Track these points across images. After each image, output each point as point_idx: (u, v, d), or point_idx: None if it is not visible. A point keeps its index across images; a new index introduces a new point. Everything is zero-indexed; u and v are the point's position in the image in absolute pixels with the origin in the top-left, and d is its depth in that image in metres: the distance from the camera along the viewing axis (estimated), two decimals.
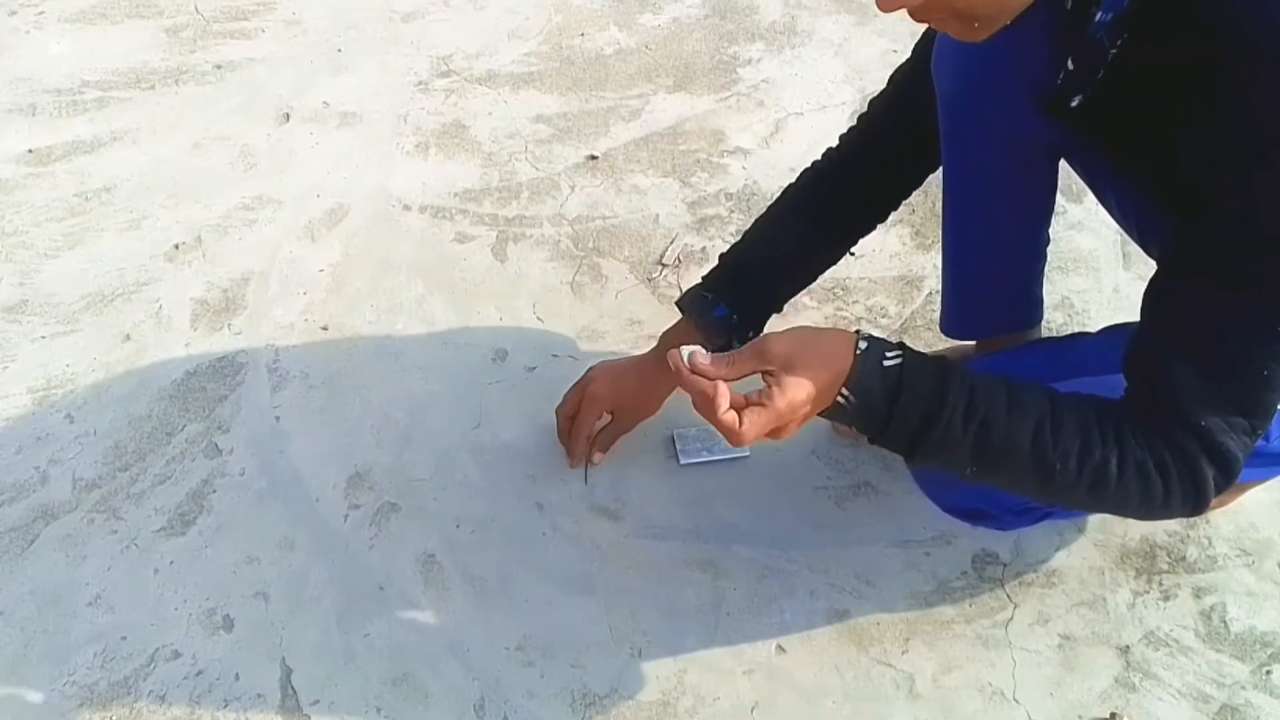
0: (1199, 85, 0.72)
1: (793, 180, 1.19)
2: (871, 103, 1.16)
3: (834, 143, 1.18)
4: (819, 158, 1.18)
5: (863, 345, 0.81)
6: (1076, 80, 0.82)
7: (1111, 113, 0.84)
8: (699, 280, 1.21)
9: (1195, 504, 0.79)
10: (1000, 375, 0.83)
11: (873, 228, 1.20)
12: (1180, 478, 0.78)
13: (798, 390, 0.79)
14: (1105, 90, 0.82)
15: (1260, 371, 0.74)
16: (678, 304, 1.22)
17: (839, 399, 0.81)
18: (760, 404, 0.79)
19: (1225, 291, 0.74)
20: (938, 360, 0.83)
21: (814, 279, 1.23)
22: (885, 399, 0.80)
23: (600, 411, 1.24)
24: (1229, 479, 0.78)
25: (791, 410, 0.80)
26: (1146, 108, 0.79)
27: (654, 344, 1.44)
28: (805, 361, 0.81)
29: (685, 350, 0.84)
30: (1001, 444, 0.80)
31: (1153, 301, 0.80)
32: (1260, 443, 0.80)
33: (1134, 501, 0.80)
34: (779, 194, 1.20)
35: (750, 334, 1.19)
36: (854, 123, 1.17)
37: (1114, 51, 0.78)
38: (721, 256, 1.21)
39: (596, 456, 1.26)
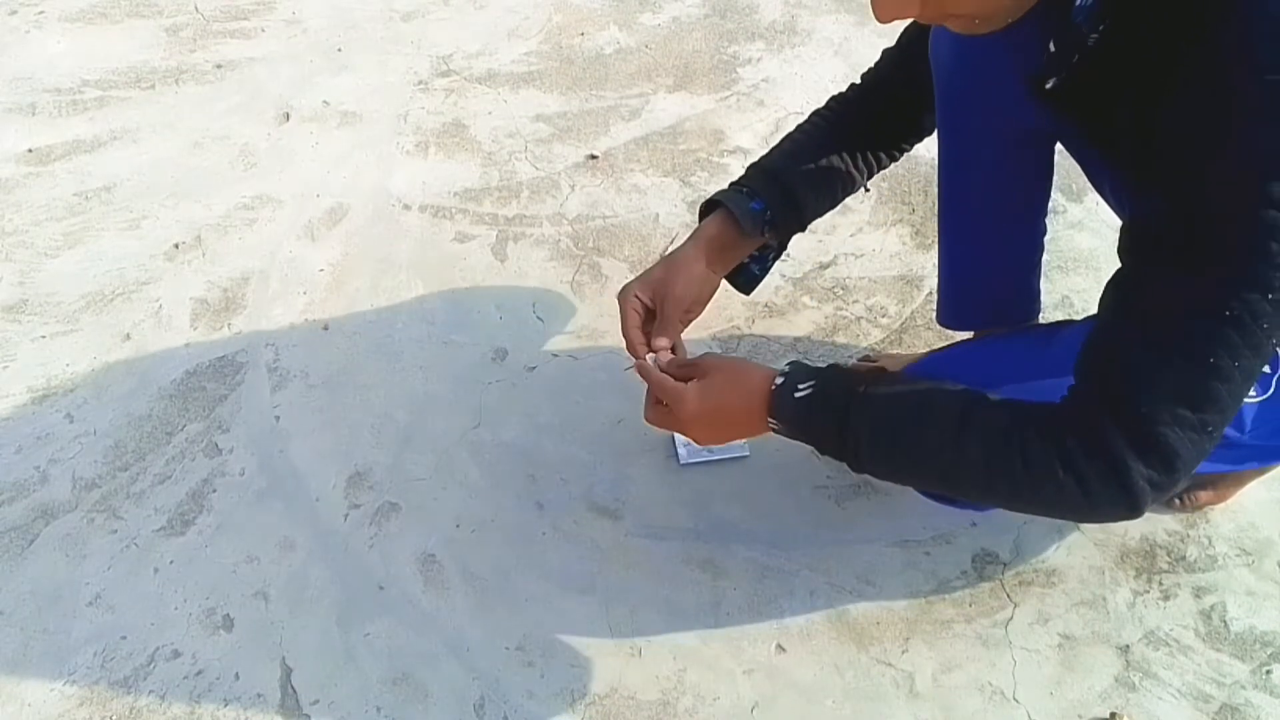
0: (1172, 63, 0.72)
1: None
2: (884, 52, 1.17)
3: None
4: (844, 89, 1.18)
5: (779, 380, 0.92)
6: (1055, 63, 0.82)
7: (1091, 95, 0.84)
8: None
9: (1128, 504, 0.77)
10: (923, 385, 0.88)
11: (885, 161, 1.18)
12: (1098, 476, 0.76)
13: (692, 394, 0.95)
14: (1085, 73, 0.82)
15: (1207, 359, 0.72)
16: (710, 199, 1.13)
17: (770, 426, 0.93)
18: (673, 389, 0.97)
19: (1175, 271, 0.73)
20: (857, 379, 0.90)
21: (838, 195, 1.17)
22: (802, 426, 0.91)
23: (635, 302, 1.09)
24: (1168, 474, 0.76)
25: (677, 400, 0.96)
26: (1124, 88, 0.79)
27: None
28: (719, 379, 0.96)
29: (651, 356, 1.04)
30: (912, 459, 0.85)
31: (1109, 291, 0.79)
32: (1235, 434, 0.79)
33: (1053, 502, 0.81)
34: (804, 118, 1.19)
35: (772, 253, 1.18)
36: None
37: (1095, 36, 0.77)
38: (749, 166, 1.16)
39: (661, 342, 1.07)
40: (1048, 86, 0.83)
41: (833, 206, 1.17)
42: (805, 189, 1.13)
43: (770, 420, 0.93)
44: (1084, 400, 0.78)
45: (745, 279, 1.19)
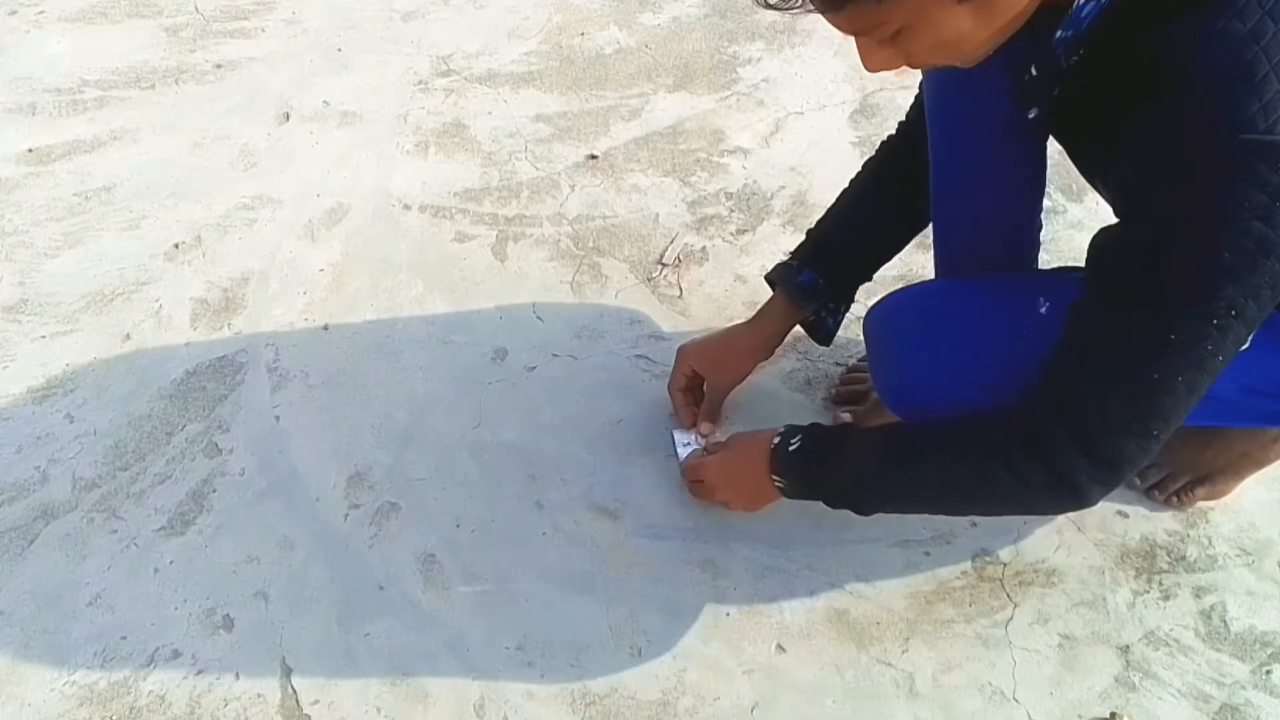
0: (1133, 109, 0.76)
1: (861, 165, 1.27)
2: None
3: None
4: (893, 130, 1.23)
5: (775, 440, 1.06)
6: (1035, 89, 0.87)
7: (1064, 121, 0.91)
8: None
9: (1074, 499, 0.87)
10: (882, 434, 1.02)
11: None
12: (1040, 477, 0.86)
13: (712, 461, 1.17)
14: (1063, 99, 0.87)
15: (1151, 376, 0.79)
16: (766, 277, 1.28)
17: (775, 484, 1.06)
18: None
19: (1129, 297, 0.79)
20: (838, 430, 1.07)
21: (897, 247, 1.26)
22: (800, 478, 1.04)
23: (688, 367, 1.28)
24: (1113, 471, 0.85)
25: (701, 469, 1.18)
26: (1092, 120, 0.85)
27: (654, 341, 1.45)
28: (734, 445, 1.16)
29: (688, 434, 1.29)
30: (891, 492, 1.00)
31: (1072, 305, 0.85)
32: (1232, 391, 0.87)
33: (1009, 504, 0.96)
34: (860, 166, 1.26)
35: (842, 306, 1.26)
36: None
37: (1073, 60, 0.82)
38: (808, 230, 1.26)
39: (704, 427, 1.28)
40: (1030, 117, 0.89)
41: (899, 247, 1.26)
42: (853, 248, 1.24)
43: (774, 478, 1.06)
44: (1035, 407, 0.87)
45: (823, 333, 1.28)
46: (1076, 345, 0.84)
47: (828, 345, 1.30)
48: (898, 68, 0.81)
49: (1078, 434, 0.84)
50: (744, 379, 1.29)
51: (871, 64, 0.81)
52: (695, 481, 1.21)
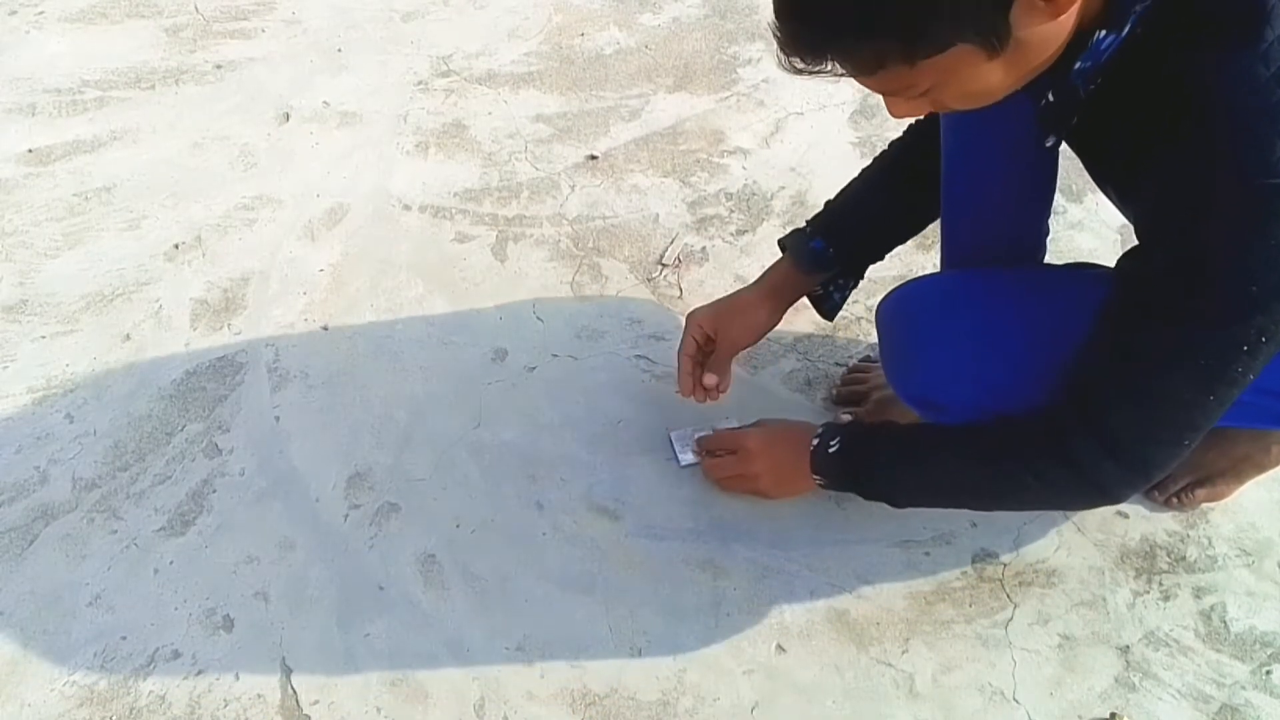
0: (1161, 132, 0.77)
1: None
2: None
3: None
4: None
5: (815, 441, 1.09)
6: (1053, 115, 0.87)
7: (1081, 140, 0.92)
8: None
9: (1102, 498, 0.92)
10: (914, 437, 1.05)
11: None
12: (1068, 478, 0.90)
13: (754, 433, 1.20)
14: (1080, 123, 0.87)
15: (1182, 395, 0.82)
16: (779, 242, 1.27)
17: (816, 482, 1.10)
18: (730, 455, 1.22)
19: (1160, 318, 0.81)
20: (873, 432, 1.10)
21: (909, 234, 1.27)
22: (839, 477, 1.09)
23: (698, 330, 1.25)
24: (1141, 474, 0.88)
25: (740, 440, 1.20)
26: (1110, 144, 0.86)
27: (654, 341, 1.45)
28: (775, 426, 1.20)
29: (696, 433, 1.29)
30: (923, 492, 1.06)
31: (1099, 320, 0.87)
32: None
33: (1033, 503, 1.06)
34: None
35: (850, 281, 1.27)
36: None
37: (1090, 89, 0.82)
38: (826, 202, 1.26)
39: (709, 379, 1.23)
40: (1047, 145, 0.91)
41: (911, 234, 1.27)
42: (865, 226, 1.24)
43: (814, 477, 1.09)
44: (1064, 416, 0.89)
45: (828, 306, 1.29)
46: (1105, 356, 0.86)
47: (831, 320, 1.31)
48: (921, 113, 0.83)
49: (1108, 443, 0.86)
50: (756, 339, 1.26)
51: (898, 113, 0.82)
52: (727, 464, 1.21)
